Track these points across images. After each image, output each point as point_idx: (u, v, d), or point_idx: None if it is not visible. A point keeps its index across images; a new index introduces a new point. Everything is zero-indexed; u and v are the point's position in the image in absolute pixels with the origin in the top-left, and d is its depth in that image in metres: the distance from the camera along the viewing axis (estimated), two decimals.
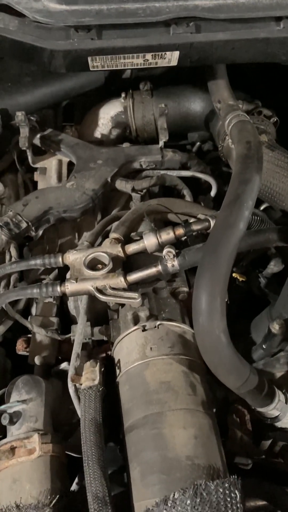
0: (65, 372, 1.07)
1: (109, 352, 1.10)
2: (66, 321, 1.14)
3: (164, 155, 1.30)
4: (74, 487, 1.03)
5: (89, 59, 0.99)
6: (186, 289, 1.07)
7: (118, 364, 0.99)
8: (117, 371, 0.99)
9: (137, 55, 1.00)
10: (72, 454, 1.01)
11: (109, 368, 1.02)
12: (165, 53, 1.00)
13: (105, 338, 1.07)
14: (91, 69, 1.03)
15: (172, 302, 1.06)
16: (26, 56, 1.00)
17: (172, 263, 0.98)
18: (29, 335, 1.12)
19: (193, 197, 1.31)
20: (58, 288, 1.01)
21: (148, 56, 1.00)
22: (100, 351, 1.11)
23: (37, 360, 1.06)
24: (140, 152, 1.30)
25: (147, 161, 1.30)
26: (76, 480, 1.04)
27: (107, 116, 1.48)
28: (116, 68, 1.03)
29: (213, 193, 1.34)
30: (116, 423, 0.96)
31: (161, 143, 1.32)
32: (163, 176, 1.27)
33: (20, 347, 1.11)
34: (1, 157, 1.47)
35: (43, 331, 1.06)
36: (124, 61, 1.01)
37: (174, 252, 0.98)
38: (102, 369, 0.98)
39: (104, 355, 1.11)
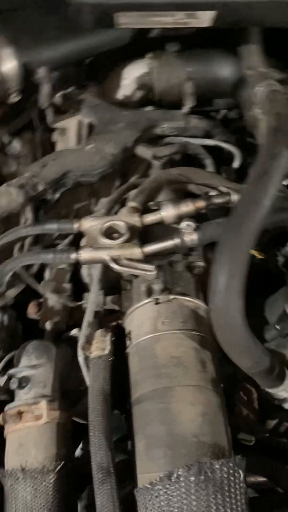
0: (75, 339, 1.07)
1: (120, 321, 1.10)
2: (79, 287, 1.13)
3: (188, 121, 1.25)
4: (78, 452, 1.05)
5: (117, 15, 0.93)
6: (202, 263, 1.04)
7: (128, 335, 0.98)
8: (127, 341, 0.98)
9: (168, 13, 0.94)
10: (78, 420, 1.02)
11: (119, 338, 1.02)
12: (199, 12, 0.94)
13: (117, 308, 1.06)
14: (117, 26, 0.97)
15: (187, 276, 1.04)
16: (50, 9, 0.94)
17: (191, 237, 0.95)
18: (41, 300, 1.11)
19: (215, 167, 1.27)
20: (73, 255, 0.99)
21: (180, 14, 0.94)
22: (111, 319, 1.10)
23: (48, 325, 1.05)
24: (163, 117, 1.25)
25: (170, 127, 1.25)
26: (81, 446, 1.05)
27: (131, 76, 1.42)
28: (143, 27, 0.97)
29: (236, 164, 1.29)
30: (123, 392, 0.96)
31: (186, 109, 1.26)
32: (186, 144, 1.22)
33: (32, 311, 1.11)
34: (20, 113, 1.43)
35: (55, 297, 1.05)
36: (153, 19, 0.95)
37: (193, 226, 0.95)
38: (113, 339, 0.98)
39: (115, 323, 1.11)
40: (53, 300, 1.06)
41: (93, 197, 1.22)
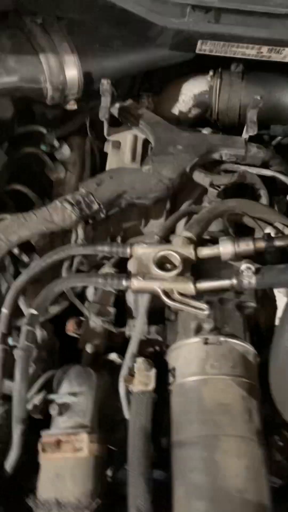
0: (113, 364, 1.05)
1: (157, 347, 1.07)
2: (121, 310, 1.10)
3: (248, 149, 1.21)
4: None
5: (200, 42, 0.90)
6: (253, 304, 1.02)
7: (173, 372, 0.96)
8: (171, 378, 0.96)
9: (253, 46, 0.90)
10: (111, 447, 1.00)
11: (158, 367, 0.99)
12: (284, 49, 0.90)
13: (160, 339, 1.04)
14: (197, 51, 0.94)
15: (237, 316, 1.01)
16: (130, 27, 0.91)
17: (250, 280, 0.92)
18: (81, 317, 1.09)
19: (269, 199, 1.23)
20: (124, 282, 0.97)
21: (264, 48, 0.90)
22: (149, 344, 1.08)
23: (88, 348, 1.03)
24: (223, 143, 1.21)
25: (229, 154, 1.21)
26: (110, 473, 1.03)
27: (190, 93, 1.38)
28: (224, 55, 0.93)
29: None
30: (157, 427, 0.94)
31: (246, 136, 1.22)
32: (244, 174, 1.19)
33: (71, 328, 1.08)
34: (72, 118, 1.40)
35: (99, 320, 1.03)
36: (236, 49, 0.92)
37: (253, 269, 0.92)
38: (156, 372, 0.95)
39: (151, 349, 1.08)
40: (96, 322, 1.04)
41: (143, 218, 1.19)
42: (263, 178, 1.25)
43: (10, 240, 1.00)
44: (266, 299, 1.07)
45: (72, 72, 1.17)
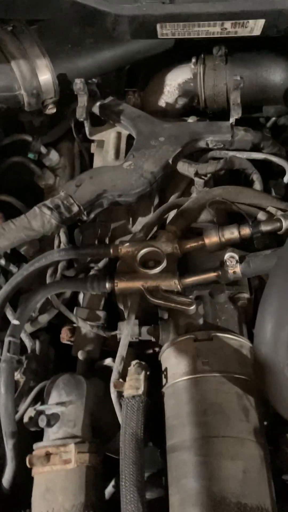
0: (108, 369, 1.01)
1: (156, 349, 1.03)
2: (113, 313, 1.07)
3: (235, 134, 1.15)
4: (110, 489, 0.99)
5: (158, 26, 0.86)
6: (247, 295, 0.96)
7: (165, 373, 0.92)
8: (163, 380, 0.91)
9: (214, 23, 0.85)
10: (112, 456, 0.96)
11: (155, 369, 0.95)
12: (248, 21, 0.85)
13: (153, 339, 0.99)
14: (159, 36, 0.90)
15: (230, 309, 0.96)
16: (87, 20, 0.88)
17: (234, 269, 0.87)
18: (75, 324, 1.06)
19: (263, 183, 1.17)
20: (107, 285, 0.94)
21: (227, 24, 0.85)
22: (146, 347, 1.04)
23: (80, 355, 1.00)
24: (207, 130, 1.16)
25: (215, 140, 1.16)
26: (113, 482, 1.00)
27: (174, 83, 1.34)
28: (188, 37, 0.88)
29: (286, 179, 1.19)
30: (159, 427, 0.90)
31: (232, 120, 1.17)
32: (232, 159, 1.13)
33: (65, 336, 1.06)
34: (57, 123, 1.38)
35: (88, 326, 0.99)
36: (198, 29, 0.87)
37: (237, 258, 0.86)
38: (148, 375, 0.91)
39: (151, 351, 1.04)
40: (86, 328, 1.01)
41: (130, 216, 1.15)
42: (256, 162, 1.19)
43: None
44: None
45: (45, 76, 1.15)
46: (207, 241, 0.93)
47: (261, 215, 1.04)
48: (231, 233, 0.92)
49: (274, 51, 1.26)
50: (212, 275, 0.89)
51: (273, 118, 1.36)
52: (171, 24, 0.86)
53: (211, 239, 0.93)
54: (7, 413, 0.86)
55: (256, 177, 1.16)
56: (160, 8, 0.83)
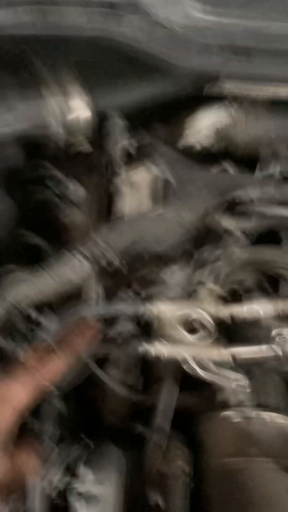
0: (139, 437, 0.94)
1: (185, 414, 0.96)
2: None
3: (279, 189, 1.10)
4: None
5: (223, 82, 0.80)
6: None
7: (203, 450, 0.85)
8: (201, 457, 0.85)
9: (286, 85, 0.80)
10: None
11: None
12: None
13: (189, 407, 0.93)
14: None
15: (276, 383, 0.90)
16: (147, 68, 0.81)
17: None
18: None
19: None
20: (145, 347, 0.87)
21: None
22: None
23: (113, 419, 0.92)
24: (249, 181, 1.11)
25: (256, 193, 1.11)
26: None
27: (212, 126, 1.28)
28: (251, 95, 0.83)
29: None
30: None
31: (276, 174, 1.12)
32: (274, 215, 1.08)
33: None
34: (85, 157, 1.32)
35: (123, 391, 0.92)
36: (262, 88, 0.81)
37: None
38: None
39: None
40: (120, 393, 0.93)
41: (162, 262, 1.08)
42: None
43: (21, 305, 0.91)
44: None
45: (84, 113, 1.08)
46: (260, 310, 0.87)
47: None
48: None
49: None
50: (268, 350, 0.83)
51: None
52: (239, 82, 0.81)
53: (266, 308, 0.87)
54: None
55: None
56: (235, 66, 0.77)
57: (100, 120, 1.15)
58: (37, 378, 0.62)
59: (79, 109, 1.08)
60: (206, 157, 1.32)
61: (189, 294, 0.97)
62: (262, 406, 0.84)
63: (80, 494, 0.79)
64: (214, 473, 0.80)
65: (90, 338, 0.69)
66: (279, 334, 0.81)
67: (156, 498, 0.82)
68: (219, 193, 1.08)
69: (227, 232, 1.09)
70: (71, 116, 1.05)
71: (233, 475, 0.78)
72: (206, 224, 1.06)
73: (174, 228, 1.01)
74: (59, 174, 1.22)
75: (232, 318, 0.92)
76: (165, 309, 0.91)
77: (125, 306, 0.93)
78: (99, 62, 1.10)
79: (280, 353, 0.81)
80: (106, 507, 0.79)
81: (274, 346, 0.81)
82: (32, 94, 1.03)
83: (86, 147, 1.17)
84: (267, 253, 0.98)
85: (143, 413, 0.96)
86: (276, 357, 0.82)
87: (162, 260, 1.10)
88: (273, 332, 0.81)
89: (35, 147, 1.20)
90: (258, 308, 0.86)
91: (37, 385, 0.62)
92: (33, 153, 1.22)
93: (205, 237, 1.11)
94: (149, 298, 0.96)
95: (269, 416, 0.82)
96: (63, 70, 1.06)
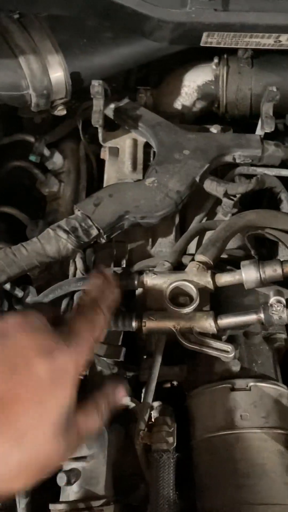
0: (128, 411, 0.92)
1: (174, 382, 0.95)
2: (133, 347, 0.97)
3: (265, 149, 1.06)
4: None
5: (205, 34, 0.74)
6: (285, 335, 0.88)
7: (194, 423, 0.83)
8: (192, 429, 0.83)
9: (269, 35, 0.74)
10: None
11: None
12: None
13: (177, 382, 0.91)
14: (202, 44, 0.78)
15: (265, 350, 0.88)
16: (121, 19, 0.75)
17: (280, 315, 0.79)
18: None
19: None
20: (133, 323, 0.84)
21: (284, 37, 0.74)
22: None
23: None
24: (236, 143, 1.06)
25: (243, 156, 1.06)
26: None
27: (193, 84, 1.22)
28: (234, 47, 0.77)
29: None
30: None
31: (262, 133, 1.07)
32: (263, 178, 1.03)
33: None
34: (62, 121, 1.25)
35: (108, 368, 0.90)
36: (248, 40, 0.76)
37: (284, 303, 0.78)
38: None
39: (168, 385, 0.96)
40: (103, 366, 0.91)
41: (149, 237, 1.04)
42: (281, 179, 1.10)
43: None
44: None
45: (58, 74, 1.02)
46: (245, 277, 0.84)
47: None
48: (274, 270, 0.83)
49: None
50: (253, 317, 0.80)
51: None
52: (220, 33, 0.75)
53: (250, 275, 0.83)
54: None
55: (284, 196, 1.07)
56: (212, 16, 0.71)
57: (77, 82, 1.09)
58: (89, 339, 0.57)
59: (52, 69, 1.01)
60: (193, 120, 1.26)
61: (177, 266, 0.94)
62: (255, 376, 0.82)
63: (64, 473, 0.77)
64: (203, 445, 0.79)
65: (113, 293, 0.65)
66: (278, 301, 0.78)
67: (142, 471, 0.80)
68: (206, 158, 1.02)
69: (215, 198, 1.05)
70: (43, 77, 0.98)
71: (223, 447, 0.76)
72: (193, 191, 1.01)
73: (158, 198, 0.96)
74: (35, 139, 1.16)
75: (221, 288, 0.89)
76: (152, 282, 0.88)
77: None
78: (73, 18, 1.03)
79: (270, 320, 0.78)
80: (88, 480, 0.78)
81: (261, 315, 0.79)
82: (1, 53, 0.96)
83: (63, 111, 1.10)
84: (254, 218, 0.93)
85: (130, 386, 0.93)
86: (259, 322, 0.79)
87: (148, 231, 1.06)
88: (271, 300, 0.78)
89: (7, 111, 1.14)
90: (247, 276, 0.83)
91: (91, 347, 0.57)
92: (4, 117, 1.16)
93: (191, 202, 1.06)
94: (136, 272, 0.92)
95: (263, 386, 0.80)
96: (34, 26, 0.99)
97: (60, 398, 0.52)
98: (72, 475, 0.78)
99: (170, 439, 0.79)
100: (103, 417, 0.59)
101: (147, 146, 1.12)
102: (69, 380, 0.53)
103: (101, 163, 1.19)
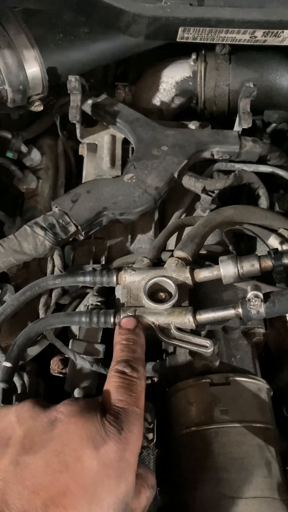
0: None
1: (154, 379, 0.95)
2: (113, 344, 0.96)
3: (243, 145, 1.06)
4: None
5: (181, 29, 0.74)
6: (263, 330, 0.89)
7: (174, 418, 0.83)
8: (173, 424, 0.83)
9: (245, 30, 0.74)
10: None
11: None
12: (283, 32, 0.75)
13: (156, 378, 0.91)
14: (178, 39, 0.78)
15: (244, 345, 0.88)
16: (98, 13, 0.74)
17: (258, 309, 0.79)
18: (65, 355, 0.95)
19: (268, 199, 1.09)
20: (112, 319, 0.83)
21: (259, 32, 0.75)
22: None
23: (77, 393, 0.89)
24: (214, 139, 1.06)
25: (222, 151, 1.06)
26: None
27: (172, 80, 1.22)
28: (210, 42, 0.77)
29: None
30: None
31: (239, 129, 1.08)
32: (241, 174, 1.04)
33: (55, 368, 0.95)
34: (39, 117, 1.24)
35: (87, 363, 0.89)
36: (224, 35, 0.76)
37: (261, 297, 0.78)
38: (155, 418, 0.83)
39: (149, 381, 0.96)
40: (85, 367, 0.90)
41: (128, 233, 1.04)
42: (259, 174, 1.10)
43: None
44: (275, 319, 0.95)
45: (34, 69, 1.01)
46: (223, 272, 0.84)
47: (273, 239, 0.96)
48: (251, 265, 0.83)
49: (279, 52, 1.16)
50: (231, 312, 0.80)
51: (274, 125, 1.28)
52: (196, 28, 0.75)
53: (228, 270, 0.84)
54: None
55: (262, 192, 1.08)
56: (187, 10, 0.71)
57: (54, 78, 1.08)
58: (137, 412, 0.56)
59: (28, 64, 1.00)
60: (171, 116, 1.26)
61: (156, 262, 0.94)
62: (234, 371, 0.82)
63: None
64: (183, 440, 0.79)
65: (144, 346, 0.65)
66: (256, 296, 0.78)
67: None
68: (184, 155, 1.02)
69: (193, 194, 1.05)
70: (19, 72, 0.97)
71: (202, 441, 0.76)
72: (171, 187, 1.01)
73: (136, 194, 0.96)
74: (12, 136, 1.15)
75: (200, 283, 0.89)
76: (130, 279, 0.87)
77: (87, 278, 0.88)
78: (48, 11, 1.02)
79: (248, 315, 0.78)
80: None
81: (239, 309, 0.79)
82: None
83: (39, 107, 1.09)
84: (232, 213, 0.94)
85: None
86: (237, 317, 0.79)
87: (127, 228, 1.05)
88: (249, 295, 0.78)
89: None
90: (225, 271, 0.83)
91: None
92: None
93: (170, 198, 1.06)
94: (115, 268, 0.92)
95: (242, 380, 0.80)
96: (9, 20, 0.97)
97: (114, 490, 0.51)
98: None
99: (150, 435, 0.79)
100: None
101: (125, 142, 1.12)
102: (123, 470, 0.52)
103: (80, 159, 1.18)
